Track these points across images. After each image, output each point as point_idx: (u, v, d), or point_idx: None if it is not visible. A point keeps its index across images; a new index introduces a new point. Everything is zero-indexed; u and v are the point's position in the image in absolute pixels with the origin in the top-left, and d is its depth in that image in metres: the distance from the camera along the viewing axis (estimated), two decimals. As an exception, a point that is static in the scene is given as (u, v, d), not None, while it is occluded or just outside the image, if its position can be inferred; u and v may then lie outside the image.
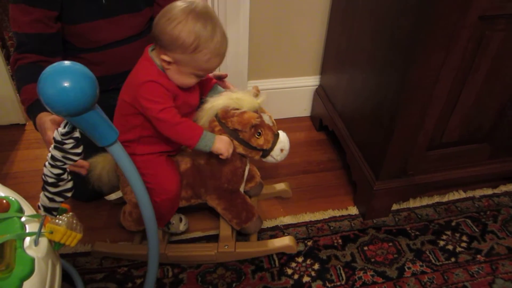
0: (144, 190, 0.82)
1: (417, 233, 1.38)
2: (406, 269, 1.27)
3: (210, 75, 1.18)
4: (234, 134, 1.04)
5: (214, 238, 1.31)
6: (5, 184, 0.89)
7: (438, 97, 1.14)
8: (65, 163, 0.73)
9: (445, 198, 1.51)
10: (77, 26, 1.18)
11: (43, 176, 0.76)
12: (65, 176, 0.76)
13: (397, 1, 1.12)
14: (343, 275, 1.24)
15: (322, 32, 1.68)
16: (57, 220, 0.75)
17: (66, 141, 0.71)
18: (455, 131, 1.28)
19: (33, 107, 1.08)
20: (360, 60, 1.37)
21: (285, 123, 1.83)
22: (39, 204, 0.80)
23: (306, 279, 1.23)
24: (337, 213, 1.44)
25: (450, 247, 1.34)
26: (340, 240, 1.35)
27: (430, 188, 1.42)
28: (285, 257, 1.29)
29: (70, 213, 0.78)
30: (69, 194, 0.79)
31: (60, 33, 1.18)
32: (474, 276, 1.26)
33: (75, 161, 0.73)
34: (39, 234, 0.74)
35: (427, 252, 1.32)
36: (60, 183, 0.77)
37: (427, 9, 0.99)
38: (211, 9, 0.97)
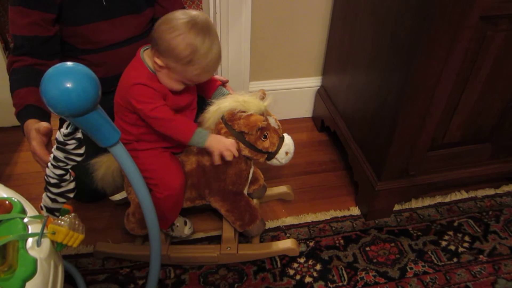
0: (146, 190, 0.83)
1: (419, 233, 1.38)
2: (408, 270, 1.27)
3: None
4: (240, 136, 1.05)
5: (217, 239, 1.31)
6: (8, 185, 0.89)
7: (439, 97, 1.14)
8: (67, 164, 0.74)
9: (447, 199, 1.51)
10: (78, 28, 1.18)
11: (45, 177, 0.77)
12: (67, 176, 0.77)
13: (398, 2, 1.12)
14: (345, 275, 1.24)
15: (323, 33, 1.68)
16: (59, 221, 0.75)
17: (69, 142, 0.71)
18: (457, 132, 1.28)
19: (22, 113, 1.08)
20: (362, 61, 1.37)
21: (287, 124, 1.84)
22: (42, 205, 0.80)
23: (308, 279, 1.23)
24: (339, 213, 1.44)
25: (452, 247, 1.34)
26: (342, 241, 1.35)
27: (432, 188, 1.42)
28: (287, 257, 1.29)
29: (73, 214, 0.78)
30: (71, 195, 0.79)
31: (58, 36, 1.18)
32: (477, 276, 1.25)
33: (77, 161, 0.73)
34: (41, 235, 0.74)
35: (429, 253, 1.32)
36: (63, 184, 0.77)
37: (429, 10, 0.99)
38: (212, 23, 0.99)
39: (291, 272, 1.25)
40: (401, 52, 1.12)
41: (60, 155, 0.72)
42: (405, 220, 1.43)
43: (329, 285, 1.22)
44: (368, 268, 1.27)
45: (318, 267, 1.27)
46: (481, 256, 1.31)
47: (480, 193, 1.54)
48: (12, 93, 1.13)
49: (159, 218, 1.14)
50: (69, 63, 0.63)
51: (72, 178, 0.78)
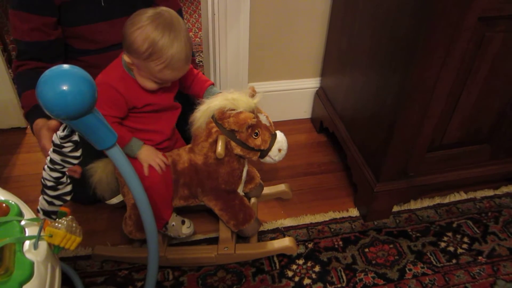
0: (143, 192, 0.83)
1: (418, 234, 1.38)
2: (407, 271, 1.26)
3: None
4: (231, 135, 1.04)
5: (215, 241, 1.31)
6: (7, 187, 0.89)
7: (438, 98, 1.14)
8: (64, 167, 0.74)
9: (446, 200, 1.51)
10: (77, 29, 1.18)
11: (42, 180, 0.77)
12: (64, 179, 0.77)
13: (397, 3, 1.12)
14: (344, 277, 1.24)
15: (322, 34, 1.68)
16: (56, 224, 0.74)
17: (65, 145, 0.71)
18: (456, 133, 1.28)
19: (31, 113, 1.12)
20: (361, 62, 1.37)
21: (286, 125, 1.84)
22: (38, 207, 0.80)
23: (307, 281, 1.23)
24: (337, 215, 1.44)
25: (451, 248, 1.34)
26: (340, 242, 1.35)
27: (431, 189, 1.42)
28: (286, 259, 1.28)
29: (70, 216, 0.78)
30: (68, 198, 0.79)
31: (60, 38, 1.19)
32: (476, 278, 1.25)
33: (74, 164, 0.73)
34: (38, 237, 0.74)
35: (428, 254, 1.32)
36: (59, 187, 0.77)
37: (427, 11, 0.99)
38: (178, 20, 0.96)
39: (290, 273, 1.25)
40: (399, 53, 1.12)
41: (56, 157, 0.72)
42: (404, 221, 1.43)
43: (328, 286, 1.21)
44: (367, 269, 1.27)
45: (317, 268, 1.26)
46: (480, 257, 1.31)
47: (479, 194, 1.54)
48: (19, 95, 1.18)
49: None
50: (65, 66, 0.62)
51: (69, 181, 0.78)
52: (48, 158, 0.73)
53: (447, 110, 1.20)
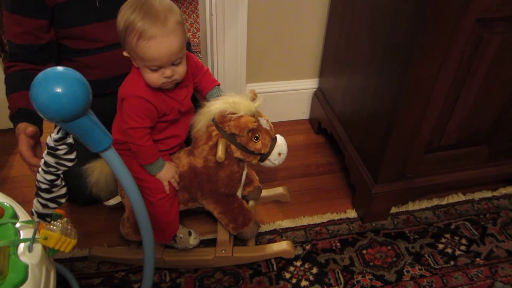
0: (139, 194, 0.82)
1: (416, 236, 1.38)
2: (405, 273, 1.26)
3: None
4: (231, 138, 1.04)
5: (213, 243, 1.30)
6: (3, 188, 0.89)
7: (436, 100, 1.14)
8: (58, 169, 0.73)
9: (444, 201, 1.50)
10: (72, 29, 1.18)
11: (36, 182, 0.76)
12: (58, 182, 0.76)
13: (394, 4, 1.11)
14: (342, 279, 1.24)
15: (320, 35, 1.68)
16: (51, 226, 0.74)
17: (59, 147, 0.70)
18: (454, 134, 1.27)
19: (15, 116, 1.12)
20: (358, 63, 1.37)
21: (284, 126, 1.83)
22: (33, 210, 0.79)
23: (304, 283, 1.22)
24: (335, 216, 1.43)
25: (449, 250, 1.33)
26: (338, 244, 1.34)
27: (429, 191, 1.42)
28: (283, 261, 1.28)
29: (65, 218, 0.77)
30: (62, 200, 0.79)
31: (52, 41, 1.19)
32: (474, 280, 1.25)
33: (68, 167, 0.73)
34: (33, 240, 0.73)
35: (426, 256, 1.31)
36: (54, 189, 0.76)
37: (424, 12, 0.99)
38: (160, 5, 0.89)
39: (287, 275, 1.24)
40: (397, 55, 1.12)
41: (51, 160, 0.72)
42: (402, 222, 1.42)
43: (325, 288, 1.21)
44: (364, 271, 1.26)
45: (314, 270, 1.26)
46: (478, 259, 1.31)
47: (477, 195, 1.53)
48: (7, 97, 1.17)
49: (160, 230, 1.13)
50: (59, 68, 0.62)
51: (63, 184, 0.77)
52: (43, 160, 0.73)
53: (445, 112, 1.20)
